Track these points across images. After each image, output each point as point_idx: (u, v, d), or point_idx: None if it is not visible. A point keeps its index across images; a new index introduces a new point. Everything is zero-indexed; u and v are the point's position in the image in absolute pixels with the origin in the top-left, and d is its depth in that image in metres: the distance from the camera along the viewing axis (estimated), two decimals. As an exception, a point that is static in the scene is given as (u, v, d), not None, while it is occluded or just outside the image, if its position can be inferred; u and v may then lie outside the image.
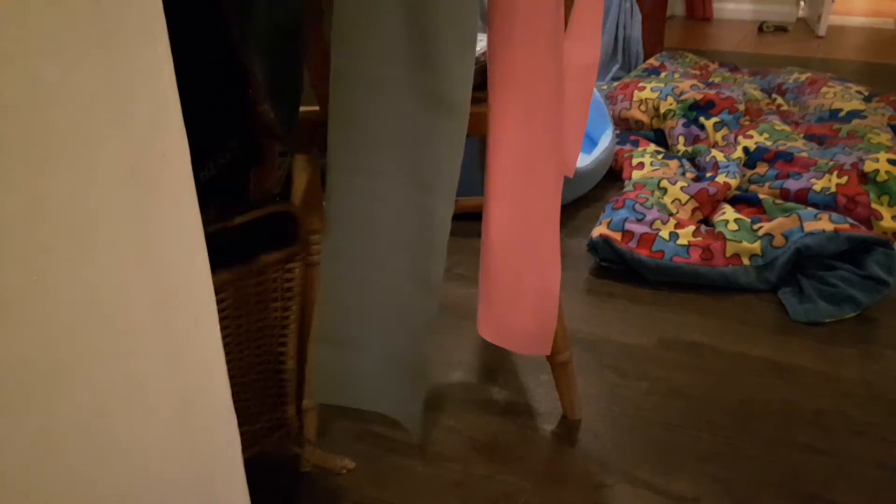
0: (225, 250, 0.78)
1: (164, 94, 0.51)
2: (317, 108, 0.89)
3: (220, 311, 0.67)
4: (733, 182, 1.73)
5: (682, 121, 2.10)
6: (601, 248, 1.54)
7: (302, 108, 0.85)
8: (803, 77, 2.46)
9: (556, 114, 0.85)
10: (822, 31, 3.76)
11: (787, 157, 1.83)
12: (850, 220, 1.49)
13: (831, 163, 1.74)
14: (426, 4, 0.73)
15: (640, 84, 2.26)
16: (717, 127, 2.07)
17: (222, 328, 0.79)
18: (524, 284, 0.93)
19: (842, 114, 2.14)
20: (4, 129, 0.42)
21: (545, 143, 0.86)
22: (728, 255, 1.49)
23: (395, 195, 0.82)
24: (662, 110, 2.16)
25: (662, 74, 2.52)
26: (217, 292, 0.61)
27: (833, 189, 1.64)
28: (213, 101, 0.87)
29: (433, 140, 0.79)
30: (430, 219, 0.83)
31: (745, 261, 1.48)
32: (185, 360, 0.59)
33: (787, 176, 1.76)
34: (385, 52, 0.75)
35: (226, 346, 0.81)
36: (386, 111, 0.78)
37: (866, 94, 2.30)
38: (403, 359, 0.89)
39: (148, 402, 0.56)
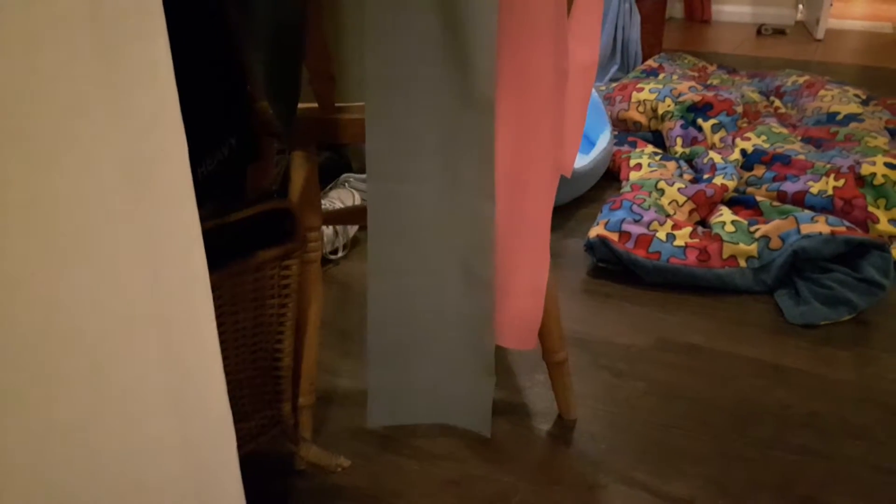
0: (222, 247, 0.78)
1: (162, 89, 0.51)
2: (315, 104, 0.89)
3: (216, 307, 0.67)
4: (731, 184, 1.73)
5: (680, 122, 2.10)
6: (598, 248, 1.54)
7: (300, 105, 0.85)
8: (801, 80, 2.46)
9: (553, 113, 0.85)
10: (820, 34, 3.77)
11: (785, 160, 1.83)
12: (847, 223, 1.49)
13: (828, 166, 1.75)
14: (454, 3, 0.74)
15: (639, 85, 2.26)
16: (714, 129, 2.07)
17: (218, 325, 0.79)
18: (514, 280, 0.93)
19: (839, 117, 2.14)
20: (1, 123, 0.41)
21: (539, 143, 0.86)
22: (725, 256, 1.49)
23: (439, 198, 0.82)
24: (660, 112, 2.16)
25: (661, 76, 2.52)
26: (213, 289, 0.60)
27: (830, 192, 1.64)
28: (212, 97, 0.86)
29: (469, 137, 0.80)
30: (475, 217, 0.84)
31: (742, 263, 1.48)
32: (181, 356, 0.59)
33: (785, 178, 1.76)
34: (419, 52, 0.76)
35: (222, 342, 0.81)
36: (424, 112, 0.78)
37: (864, 97, 2.30)
38: (465, 361, 0.90)
39: (143, 398, 0.56)
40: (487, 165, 0.82)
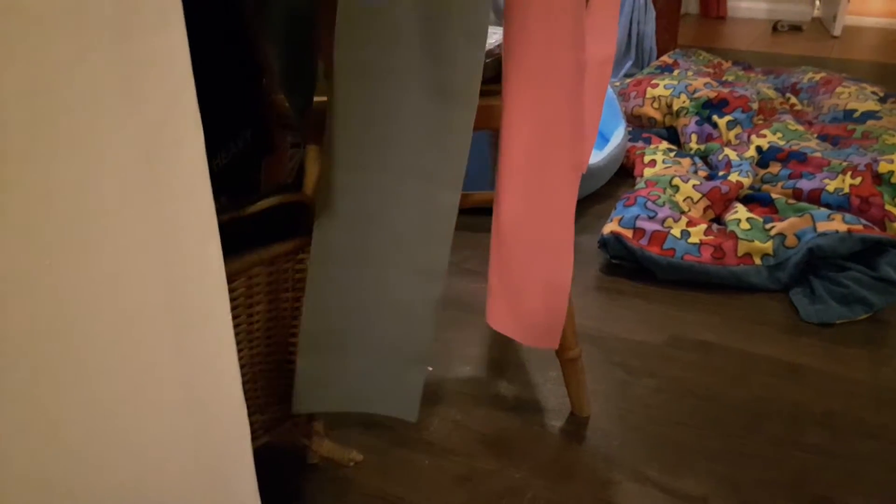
0: (236, 240, 0.78)
1: (179, 80, 0.51)
2: (330, 98, 0.89)
3: (231, 300, 0.67)
4: (746, 181, 1.72)
5: (695, 119, 2.09)
6: (612, 245, 1.53)
7: (315, 99, 0.85)
8: (818, 77, 2.44)
9: (573, 108, 0.85)
10: (837, 30, 3.73)
11: (801, 157, 1.82)
12: (864, 221, 1.48)
13: (845, 163, 1.73)
14: None
15: (654, 81, 2.25)
16: (730, 125, 2.06)
17: (233, 318, 0.79)
18: (535, 278, 0.92)
19: (856, 114, 2.12)
20: (19, 112, 0.41)
21: (559, 138, 0.86)
22: (739, 254, 1.48)
23: (397, 188, 0.81)
24: (675, 108, 2.14)
25: (676, 72, 2.51)
26: (228, 282, 0.60)
27: (846, 190, 1.63)
28: (227, 90, 0.87)
29: (440, 130, 0.79)
30: (433, 207, 0.82)
31: (757, 260, 1.47)
32: (196, 349, 0.59)
33: (800, 176, 1.75)
34: (392, 43, 0.75)
35: (236, 335, 0.81)
36: (391, 103, 0.77)
37: (881, 94, 2.28)
38: (401, 351, 0.88)
39: (158, 390, 0.56)
40: (457, 158, 0.80)
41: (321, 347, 0.88)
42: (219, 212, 0.57)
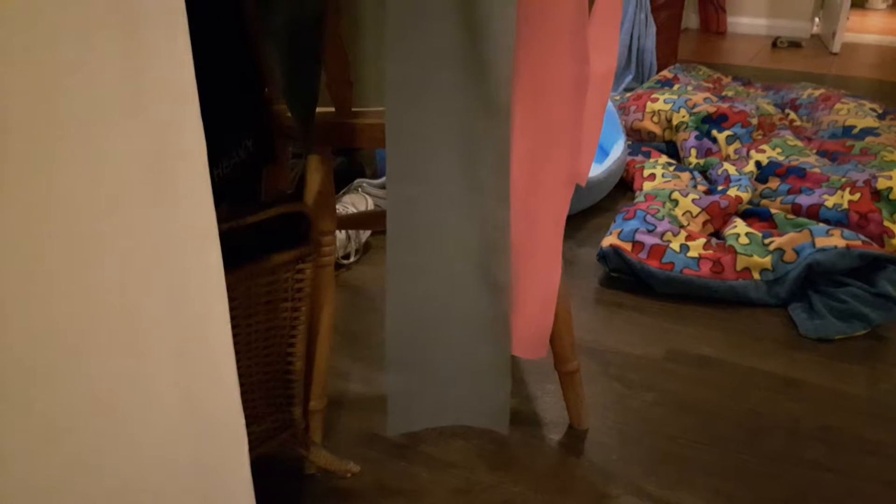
0: (236, 249, 0.78)
1: (183, 88, 0.52)
2: (332, 109, 0.89)
3: (230, 309, 0.67)
4: (745, 196, 1.72)
5: (695, 133, 2.10)
6: (611, 258, 1.53)
7: (317, 109, 0.85)
8: (817, 93, 2.45)
9: (571, 122, 0.85)
10: (836, 47, 3.75)
11: (800, 173, 1.82)
12: (863, 237, 1.48)
13: (844, 179, 1.74)
14: (474, 7, 0.74)
15: (653, 95, 2.26)
16: (729, 140, 2.07)
17: (232, 327, 0.79)
18: (524, 288, 0.93)
19: (855, 131, 2.13)
20: (22, 118, 0.42)
21: (560, 151, 0.86)
22: (738, 268, 1.48)
23: (456, 201, 0.83)
24: (675, 122, 2.15)
25: (675, 86, 2.52)
26: (228, 291, 0.60)
27: (845, 205, 1.63)
28: (229, 99, 0.87)
29: (485, 142, 0.80)
30: (491, 220, 0.85)
31: (756, 275, 1.47)
32: (194, 357, 0.59)
33: (799, 191, 1.75)
34: (439, 59, 0.76)
35: (235, 345, 0.81)
36: (442, 116, 0.79)
37: (880, 111, 2.29)
38: (482, 363, 0.90)
39: (158, 398, 0.56)
40: (503, 170, 0.82)
41: (406, 364, 0.90)
42: (219, 221, 0.57)
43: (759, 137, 2.11)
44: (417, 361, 0.90)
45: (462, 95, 0.78)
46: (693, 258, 1.50)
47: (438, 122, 0.79)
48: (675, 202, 1.70)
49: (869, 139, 2.05)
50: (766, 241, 1.52)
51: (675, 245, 1.52)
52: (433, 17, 0.74)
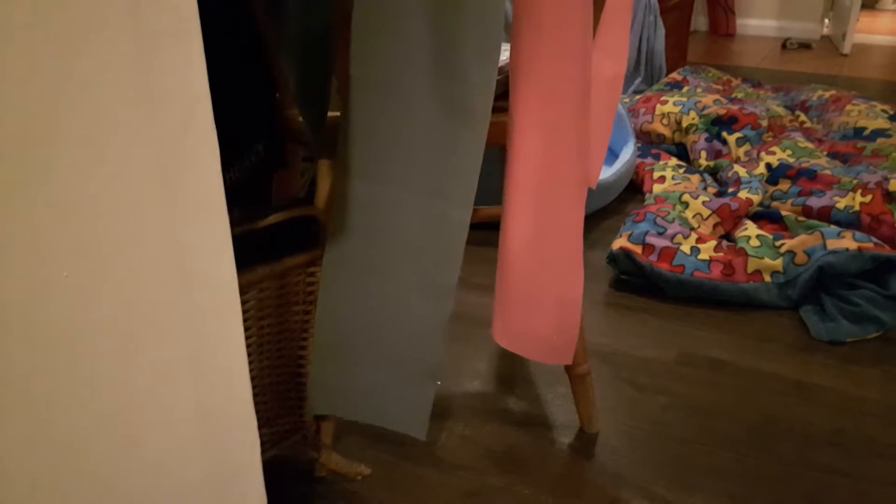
0: (248, 253, 0.78)
1: (196, 94, 0.52)
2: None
3: (242, 312, 0.67)
4: (755, 198, 1.72)
5: (705, 135, 2.09)
6: (621, 260, 1.53)
7: (329, 114, 0.86)
8: (827, 94, 2.44)
9: (582, 124, 0.85)
10: (846, 48, 3.73)
11: (810, 175, 1.81)
12: (875, 239, 1.48)
13: (855, 181, 1.73)
14: (449, 13, 0.74)
15: (663, 98, 2.25)
16: (739, 142, 2.06)
17: (244, 330, 0.79)
18: (545, 293, 0.93)
19: (866, 132, 2.12)
20: (36, 125, 0.42)
21: (569, 154, 0.86)
22: (749, 271, 1.47)
23: (408, 203, 0.82)
24: (685, 124, 2.15)
25: (685, 89, 2.51)
26: (240, 294, 0.61)
27: (857, 207, 1.62)
28: (240, 104, 0.87)
29: (452, 147, 0.80)
30: (444, 224, 0.83)
31: (767, 277, 1.47)
32: (208, 360, 0.59)
33: (810, 193, 1.74)
34: (406, 61, 0.76)
35: (247, 348, 0.81)
36: (404, 119, 0.78)
37: (891, 112, 2.28)
38: (410, 367, 0.89)
39: (169, 401, 0.56)
40: (469, 175, 0.81)
41: (332, 356, 0.88)
42: (231, 224, 0.58)
43: (770, 139, 2.10)
44: (343, 353, 0.88)
45: (432, 99, 0.77)
46: (704, 261, 1.49)
47: (400, 124, 0.78)
48: (686, 204, 1.69)
49: (880, 141, 2.04)
50: (777, 243, 1.51)
51: (685, 247, 1.52)
52: (402, 20, 0.74)
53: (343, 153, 0.79)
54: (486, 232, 1.68)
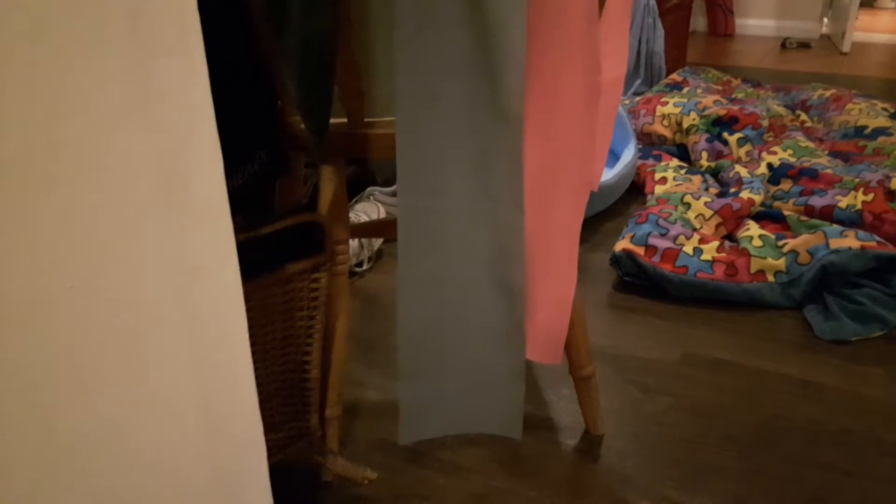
0: (252, 259, 0.78)
1: (198, 103, 0.52)
2: (345, 120, 0.90)
3: (247, 319, 0.67)
4: (757, 198, 1.72)
5: (706, 136, 2.09)
6: (624, 262, 1.53)
7: (331, 121, 0.86)
8: (827, 93, 2.44)
9: (585, 127, 0.86)
10: (846, 47, 3.74)
11: (812, 174, 1.81)
12: (878, 238, 1.48)
13: (857, 180, 1.73)
14: (481, 16, 0.75)
15: (663, 99, 2.25)
16: (740, 143, 2.06)
17: (249, 336, 0.79)
18: (539, 293, 0.93)
19: (867, 131, 2.12)
20: (38, 135, 0.42)
21: (569, 156, 0.87)
22: (752, 271, 1.47)
23: (468, 211, 0.83)
24: (685, 125, 2.15)
25: (685, 90, 2.51)
26: (245, 301, 0.61)
27: (859, 206, 1.62)
28: (242, 111, 0.88)
29: (497, 151, 0.81)
30: (504, 228, 0.85)
31: (770, 277, 1.47)
32: (212, 367, 0.59)
33: (812, 193, 1.74)
34: (449, 67, 0.77)
35: (252, 354, 0.82)
36: (452, 125, 0.79)
37: (892, 111, 2.28)
38: (495, 369, 0.91)
39: (175, 408, 0.57)
40: (517, 176, 0.83)
41: (418, 374, 0.90)
42: (234, 232, 0.58)
43: (771, 139, 2.10)
44: (429, 370, 0.90)
45: (473, 104, 0.78)
46: (706, 261, 1.49)
47: (449, 132, 0.79)
48: (688, 205, 1.69)
49: (881, 139, 2.04)
50: (780, 243, 1.51)
51: (688, 248, 1.52)
52: (442, 26, 0.75)
53: (399, 168, 0.80)
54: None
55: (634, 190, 1.99)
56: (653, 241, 1.54)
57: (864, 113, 2.22)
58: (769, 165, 1.90)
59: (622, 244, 1.55)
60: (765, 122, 2.13)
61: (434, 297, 0.87)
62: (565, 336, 0.96)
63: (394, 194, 1.77)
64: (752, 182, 1.79)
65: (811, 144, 2.02)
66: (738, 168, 1.89)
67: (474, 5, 0.75)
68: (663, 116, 2.20)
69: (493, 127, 0.80)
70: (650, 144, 2.23)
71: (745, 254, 1.50)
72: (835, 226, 1.55)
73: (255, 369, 0.84)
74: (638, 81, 2.83)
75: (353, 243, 1.60)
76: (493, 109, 0.79)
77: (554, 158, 0.86)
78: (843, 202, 1.65)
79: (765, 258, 1.47)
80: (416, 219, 0.83)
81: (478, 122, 0.79)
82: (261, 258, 0.82)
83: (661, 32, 2.85)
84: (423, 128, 0.79)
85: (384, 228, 1.17)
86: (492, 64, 0.77)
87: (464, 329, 0.89)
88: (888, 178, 1.65)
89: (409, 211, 0.82)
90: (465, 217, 0.84)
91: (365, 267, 1.64)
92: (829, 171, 1.82)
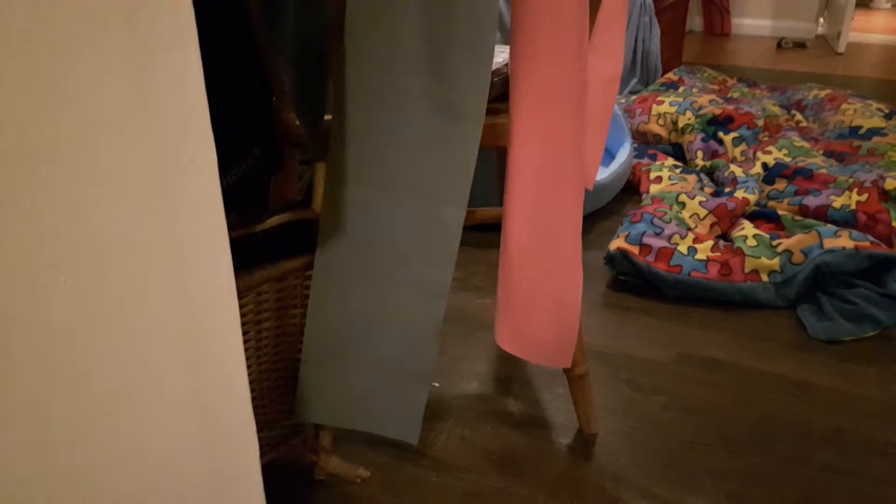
0: (246, 256, 0.78)
1: (192, 100, 0.52)
2: (339, 116, 0.90)
3: (240, 316, 0.67)
4: (752, 197, 1.72)
5: (701, 135, 2.09)
6: (619, 261, 1.53)
7: (326, 117, 0.86)
8: (823, 93, 2.45)
9: (579, 126, 0.86)
10: (841, 47, 3.74)
11: (807, 174, 1.82)
12: (871, 238, 1.48)
13: (851, 180, 1.73)
14: (441, 15, 0.74)
15: (659, 98, 2.26)
16: (735, 142, 2.06)
17: (242, 333, 0.79)
18: (544, 295, 0.93)
19: (862, 131, 2.12)
20: (32, 132, 0.42)
21: (568, 155, 0.87)
22: (746, 270, 1.48)
23: (400, 205, 0.82)
24: (681, 125, 2.15)
25: (681, 89, 2.52)
26: (238, 298, 0.61)
27: (853, 206, 1.63)
28: (237, 108, 0.87)
29: (445, 148, 0.80)
30: (437, 225, 0.83)
31: (764, 277, 1.47)
32: (206, 364, 0.59)
33: (807, 192, 1.75)
34: (398, 64, 0.76)
35: (245, 351, 0.81)
36: (396, 122, 0.78)
37: (887, 111, 2.28)
38: (404, 370, 0.88)
39: (168, 404, 0.56)
40: (463, 176, 0.81)
41: (323, 360, 0.88)
42: (229, 228, 0.58)
43: (766, 139, 2.10)
44: (335, 359, 0.88)
45: (422, 102, 0.77)
46: (701, 260, 1.50)
47: (394, 126, 0.78)
48: (682, 204, 1.70)
49: (876, 139, 2.05)
50: (774, 242, 1.52)
51: (682, 248, 1.52)
52: (395, 23, 0.74)
53: (334, 157, 0.79)
54: (485, 234, 1.69)
55: (629, 189, 1.99)
56: (647, 240, 1.54)
57: (859, 113, 2.22)
58: (764, 165, 1.90)
59: (617, 243, 1.55)
60: (760, 122, 2.13)
61: (348, 288, 0.85)
62: (575, 338, 0.95)
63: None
64: (746, 182, 1.79)
65: (806, 144, 2.02)
66: (733, 167, 1.89)
67: (435, 6, 0.74)
68: (659, 115, 2.20)
69: (445, 125, 0.78)
70: (646, 143, 2.23)
71: (740, 253, 1.51)
72: (829, 226, 1.55)
73: (249, 367, 0.84)
74: (634, 80, 2.84)
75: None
76: (448, 108, 0.78)
77: (553, 158, 0.86)
78: (838, 202, 1.65)
79: (759, 258, 1.48)
80: (344, 207, 0.81)
81: (427, 120, 0.78)
82: (255, 255, 0.82)
83: (657, 31, 2.85)
84: (366, 121, 0.78)
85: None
86: (448, 62, 0.76)
87: (377, 324, 0.86)
88: (882, 178, 1.65)
89: (339, 200, 0.81)
90: (397, 212, 0.82)
91: (359, 264, 1.63)
92: (823, 171, 1.83)
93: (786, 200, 1.74)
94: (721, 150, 2.07)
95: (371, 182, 0.81)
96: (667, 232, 1.57)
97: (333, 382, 0.89)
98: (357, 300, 0.86)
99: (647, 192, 1.87)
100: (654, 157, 2.07)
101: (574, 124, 0.85)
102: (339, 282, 0.85)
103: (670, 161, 2.04)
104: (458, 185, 0.81)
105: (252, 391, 0.86)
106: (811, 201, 1.69)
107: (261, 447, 0.80)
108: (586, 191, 1.42)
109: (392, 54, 0.76)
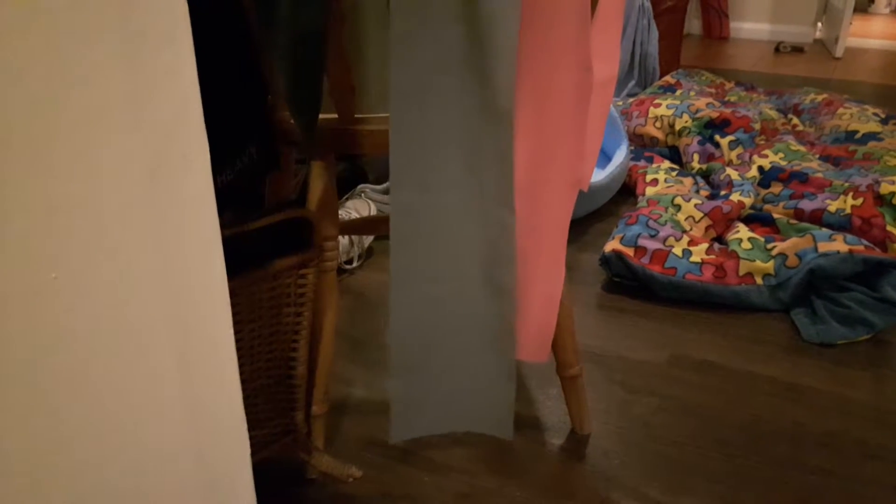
0: (240, 255, 0.78)
1: (185, 95, 0.52)
2: (335, 115, 0.90)
3: (233, 314, 0.67)
4: (748, 201, 1.72)
5: (698, 138, 2.10)
6: (613, 263, 1.54)
7: (320, 116, 0.86)
8: (819, 98, 2.45)
9: (573, 128, 0.86)
10: (839, 52, 3.75)
11: (802, 178, 1.82)
12: (865, 242, 1.48)
13: (847, 184, 1.74)
14: (475, 12, 0.74)
15: (656, 101, 2.26)
16: (732, 145, 2.07)
17: (235, 332, 0.79)
18: (526, 291, 0.93)
19: (858, 135, 2.13)
20: (24, 126, 0.42)
21: (559, 155, 0.87)
22: (741, 273, 1.48)
23: (461, 206, 0.83)
24: (677, 127, 2.15)
25: (678, 92, 2.52)
26: (231, 296, 0.61)
27: (848, 210, 1.63)
28: (232, 106, 0.87)
29: (488, 147, 0.81)
30: (496, 225, 0.85)
31: (758, 280, 1.47)
32: (197, 362, 0.59)
33: (802, 196, 1.75)
34: (442, 63, 0.76)
35: (238, 350, 0.81)
36: (446, 122, 0.79)
37: (883, 116, 2.29)
38: (487, 368, 0.91)
39: (160, 403, 0.56)
40: (507, 176, 0.83)
41: (410, 370, 0.90)
42: (223, 227, 0.58)
43: (762, 142, 2.11)
44: (421, 367, 0.90)
45: (465, 101, 0.78)
46: (695, 263, 1.50)
47: (441, 128, 0.79)
48: (678, 207, 1.70)
49: (872, 144, 2.05)
50: (769, 246, 1.52)
51: (677, 250, 1.52)
52: (436, 23, 0.75)
53: (393, 162, 0.80)
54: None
55: (625, 191, 1.99)
56: (642, 242, 1.54)
57: (856, 118, 2.23)
58: (760, 168, 1.91)
59: (612, 245, 1.55)
60: (756, 126, 2.14)
61: (426, 294, 0.86)
62: (553, 334, 0.96)
63: (386, 192, 1.77)
64: (742, 185, 1.79)
65: (802, 148, 2.03)
66: (728, 171, 1.89)
67: (469, 1, 0.74)
68: (656, 118, 2.21)
69: (484, 124, 0.79)
70: (642, 146, 2.23)
71: (734, 256, 1.51)
72: (824, 229, 1.55)
73: (241, 365, 0.84)
74: (631, 83, 2.84)
75: (344, 240, 1.60)
76: (484, 106, 0.79)
77: (544, 156, 0.86)
78: (833, 206, 1.66)
79: (753, 261, 1.48)
80: (409, 214, 0.82)
81: (468, 119, 0.79)
82: (249, 253, 0.82)
83: (655, 34, 2.85)
84: (415, 123, 0.78)
85: (374, 225, 1.16)
86: (484, 63, 0.77)
87: (455, 327, 0.89)
88: (878, 182, 1.65)
89: (401, 206, 0.82)
90: (457, 214, 0.83)
91: (355, 264, 1.63)
92: (819, 174, 1.83)
93: (781, 204, 1.75)
94: (717, 153, 2.08)
95: (430, 186, 0.82)
96: (662, 234, 1.57)
97: (423, 389, 0.91)
98: (435, 305, 0.87)
99: (643, 194, 1.88)
100: (650, 160, 2.07)
101: (567, 125, 0.85)
102: (416, 288, 0.86)
103: (667, 164, 2.04)
104: (505, 185, 0.83)
105: (244, 390, 0.86)
106: (806, 205, 1.70)
107: (252, 446, 0.79)
108: (582, 193, 1.42)
109: (434, 56, 0.76)
